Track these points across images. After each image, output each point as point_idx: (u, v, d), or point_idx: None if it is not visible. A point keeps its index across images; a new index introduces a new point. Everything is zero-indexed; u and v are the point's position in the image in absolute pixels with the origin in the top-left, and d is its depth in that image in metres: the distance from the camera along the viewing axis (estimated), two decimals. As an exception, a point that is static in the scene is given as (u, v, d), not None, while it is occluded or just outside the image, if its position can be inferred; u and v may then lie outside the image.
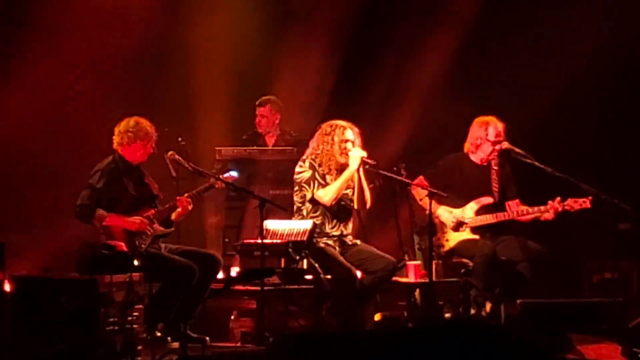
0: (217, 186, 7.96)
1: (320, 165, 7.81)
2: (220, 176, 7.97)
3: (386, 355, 2.51)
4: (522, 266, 8.02)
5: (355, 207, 7.90)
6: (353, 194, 7.87)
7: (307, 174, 7.81)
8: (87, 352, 6.38)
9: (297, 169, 7.87)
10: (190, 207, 7.83)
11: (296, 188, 7.87)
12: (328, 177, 7.81)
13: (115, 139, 7.77)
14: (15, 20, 9.60)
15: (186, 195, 7.84)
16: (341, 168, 7.79)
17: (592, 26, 9.95)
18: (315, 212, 7.80)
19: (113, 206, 7.58)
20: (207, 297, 7.55)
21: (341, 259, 7.66)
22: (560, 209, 8.04)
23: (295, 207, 7.90)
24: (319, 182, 7.79)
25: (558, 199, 8.04)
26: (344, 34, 10.48)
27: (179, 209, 7.78)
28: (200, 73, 10.05)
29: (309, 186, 7.79)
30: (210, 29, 10.07)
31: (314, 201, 7.79)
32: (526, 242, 8.10)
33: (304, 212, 7.81)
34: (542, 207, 8.09)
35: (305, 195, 7.80)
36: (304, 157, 7.93)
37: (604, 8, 10.07)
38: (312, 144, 7.93)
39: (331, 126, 7.86)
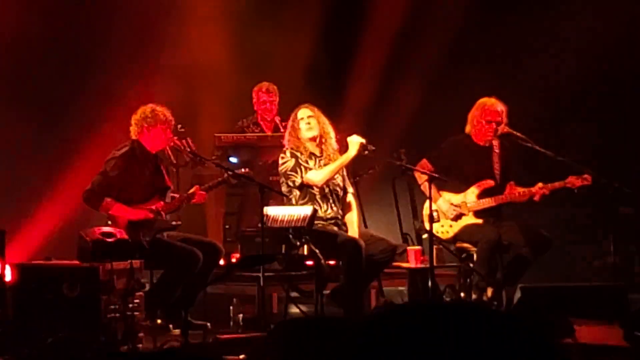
0: (230, 181, 7.95)
1: (300, 153, 7.81)
2: (222, 163, 7.96)
3: (388, 339, 2.50)
4: (524, 251, 8.00)
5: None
6: (343, 181, 7.87)
7: (291, 163, 7.80)
8: (89, 340, 6.37)
9: (280, 160, 7.87)
10: (204, 200, 7.87)
11: (282, 179, 7.85)
12: (310, 162, 7.81)
13: (133, 128, 7.66)
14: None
15: (204, 186, 7.83)
16: (313, 148, 7.77)
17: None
18: (303, 198, 7.78)
19: (123, 195, 7.55)
20: (208, 283, 7.55)
21: (343, 232, 7.65)
22: (558, 186, 8.03)
23: (284, 199, 7.88)
24: (305, 166, 7.79)
25: (539, 184, 8.04)
26: (341, 14, 10.46)
27: (195, 199, 7.79)
28: (199, 59, 10.02)
29: (297, 172, 7.78)
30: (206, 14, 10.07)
31: (302, 187, 7.77)
32: (529, 227, 8.08)
33: (293, 201, 7.80)
34: (533, 188, 8.07)
35: (294, 181, 7.78)
36: (284, 149, 7.92)
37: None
38: (286, 137, 7.96)
39: (290, 116, 7.91)
